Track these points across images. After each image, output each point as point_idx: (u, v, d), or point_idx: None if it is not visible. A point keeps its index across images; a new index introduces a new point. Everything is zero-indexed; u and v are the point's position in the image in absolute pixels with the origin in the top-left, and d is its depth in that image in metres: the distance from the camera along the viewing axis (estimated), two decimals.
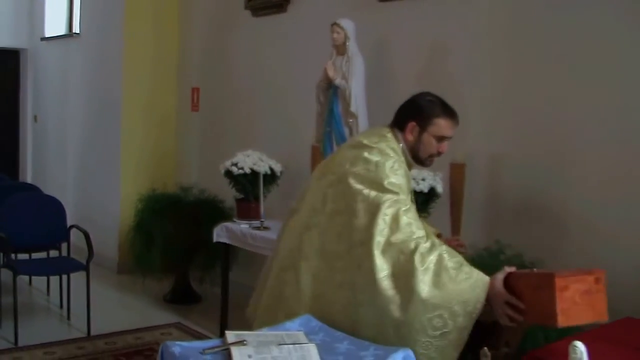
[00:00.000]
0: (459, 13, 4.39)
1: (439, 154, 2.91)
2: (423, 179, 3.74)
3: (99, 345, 5.09)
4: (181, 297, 6.25)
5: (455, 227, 4.10)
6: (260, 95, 6.15)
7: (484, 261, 3.52)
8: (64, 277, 5.80)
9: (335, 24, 4.43)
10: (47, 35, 9.02)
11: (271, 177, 5.14)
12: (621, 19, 3.61)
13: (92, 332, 5.31)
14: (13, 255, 5.43)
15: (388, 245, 2.58)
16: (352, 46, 4.40)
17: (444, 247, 2.61)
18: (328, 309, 2.68)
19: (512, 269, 2.56)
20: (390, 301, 2.52)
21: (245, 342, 2.37)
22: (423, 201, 3.73)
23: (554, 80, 3.88)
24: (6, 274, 5.37)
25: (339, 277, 2.67)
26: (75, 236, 5.80)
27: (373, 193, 2.67)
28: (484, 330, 2.62)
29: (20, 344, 5.09)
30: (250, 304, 3.16)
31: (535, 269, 2.84)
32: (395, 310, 2.51)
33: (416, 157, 2.90)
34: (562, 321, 2.32)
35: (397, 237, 2.58)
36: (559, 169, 3.84)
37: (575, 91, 3.79)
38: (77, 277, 5.52)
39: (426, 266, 2.51)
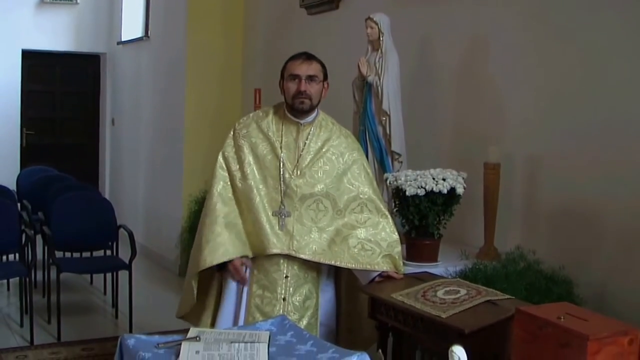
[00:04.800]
0: (501, 9, 4.14)
1: (298, 92, 3.26)
2: (443, 179, 3.48)
3: None
4: None
5: (489, 231, 3.87)
6: None
7: (501, 267, 3.31)
8: (114, 275, 5.84)
9: (368, 18, 4.24)
10: (123, 40, 9.19)
11: None
12: None
13: (135, 331, 5.32)
14: (60, 253, 5.53)
15: None
16: (386, 41, 4.19)
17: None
18: None
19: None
20: None
21: (198, 339, 2.26)
22: (443, 202, 3.48)
23: (601, 80, 3.48)
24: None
25: None
26: (141, 237, 5.85)
27: None
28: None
29: (63, 339, 5.15)
30: None
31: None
32: None
33: (288, 107, 3.34)
34: None
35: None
36: (602, 177, 3.47)
37: (628, 93, 3.35)
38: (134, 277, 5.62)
39: None
